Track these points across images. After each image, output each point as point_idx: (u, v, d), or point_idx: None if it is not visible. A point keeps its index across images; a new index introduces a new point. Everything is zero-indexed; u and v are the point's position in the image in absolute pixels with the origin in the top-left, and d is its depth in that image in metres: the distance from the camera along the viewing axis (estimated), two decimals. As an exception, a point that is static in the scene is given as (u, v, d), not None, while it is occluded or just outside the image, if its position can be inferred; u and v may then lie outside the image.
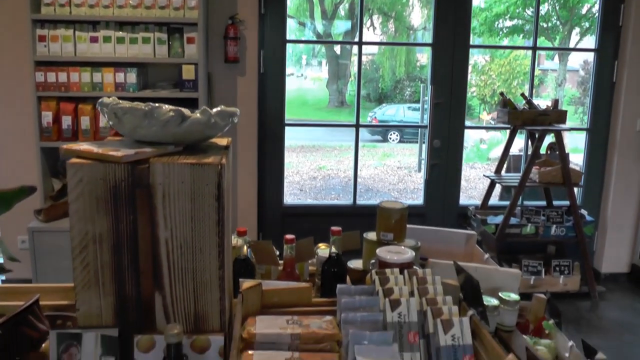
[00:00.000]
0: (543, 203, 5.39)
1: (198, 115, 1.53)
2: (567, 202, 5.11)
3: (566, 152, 4.96)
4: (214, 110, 1.58)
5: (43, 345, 1.67)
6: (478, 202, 5.40)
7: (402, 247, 1.91)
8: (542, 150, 5.16)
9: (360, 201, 5.57)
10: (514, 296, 2.06)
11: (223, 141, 1.73)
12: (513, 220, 4.94)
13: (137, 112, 1.48)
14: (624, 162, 5.45)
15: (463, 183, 5.44)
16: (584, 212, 5.28)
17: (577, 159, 5.78)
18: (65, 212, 4.40)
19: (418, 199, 5.31)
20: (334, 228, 1.99)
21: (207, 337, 1.53)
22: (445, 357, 1.44)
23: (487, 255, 2.52)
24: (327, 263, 2.00)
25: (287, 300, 1.80)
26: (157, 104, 1.51)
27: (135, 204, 1.44)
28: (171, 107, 1.51)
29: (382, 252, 1.85)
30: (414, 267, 1.83)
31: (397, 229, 2.03)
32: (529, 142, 5.32)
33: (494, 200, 5.76)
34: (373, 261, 1.90)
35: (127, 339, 1.53)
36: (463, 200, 5.47)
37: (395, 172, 10.95)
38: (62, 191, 4.56)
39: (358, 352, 1.44)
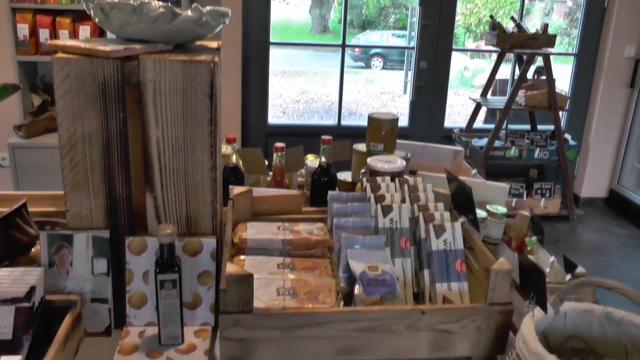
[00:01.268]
0: (527, 127, 5.40)
1: (189, 13, 1.48)
2: (551, 127, 5.12)
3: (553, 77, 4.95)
4: (205, 8, 1.52)
5: (32, 250, 1.66)
6: (462, 126, 5.40)
7: (393, 157, 1.90)
8: (529, 76, 5.15)
9: (345, 122, 5.55)
10: (502, 209, 2.08)
11: (213, 43, 1.68)
12: (497, 143, 4.96)
13: (126, 7, 1.43)
14: (609, 89, 5.45)
15: (447, 108, 5.43)
16: (567, 136, 5.30)
17: (563, 85, 5.76)
18: (45, 127, 4.34)
19: (403, 121, 5.28)
20: (324, 137, 1.97)
21: (199, 239, 1.52)
22: (437, 262, 1.45)
23: (474, 171, 2.52)
24: (317, 173, 1.99)
25: (278, 208, 1.79)
26: (146, 0, 1.46)
27: (125, 101, 1.41)
28: (161, 3, 1.46)
29: (373, 161, 1.84)
30: (405, 176, 1.82)
31: (387, 140, 2.02)
32: (516, 68, 5.29)
33: (478, 124, 5.77)
34: (363, 170, 1.89)
35: (118, 241, 1.52)
36: (447, 124, 5.46)
37: (379, 97, 10.89)
38: (42, 107, 4.48)
39: (350, 256, 1.44)
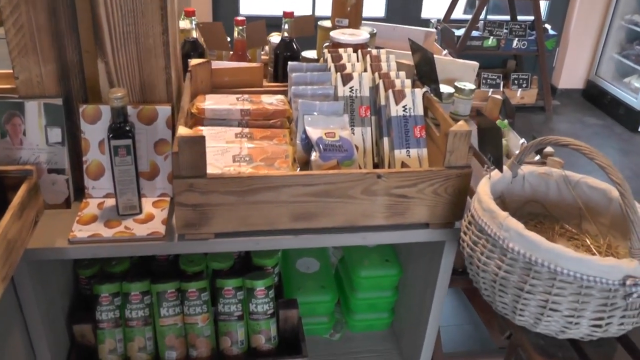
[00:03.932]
0: (508, 18, 5.29)
1: None
2: (532, 18, 5.02)
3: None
4: None
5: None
6: (441, 16, 5.27)
7: (357, 30, 1.85)
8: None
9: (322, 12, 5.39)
10: (470, 85, 2.05)
11: None
12: (475, 33, 4.87)
13: None
14: (592, -24, 5.33)
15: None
16: (547, 26, 5.22)
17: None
18: None
19: (379, 12, 5.15)
20: (286, 10, 1.89)
21: (154, 107, 1.48)
22: (396, 127, 1.43)
23: (445, 51, 2.48)
24: (279, 47, 1.93)
25: (238, 81, 1.74)
26: None
27: (68, -42, 1.33)
28: None
29: (336, 34, 1.78)
30: (369, 49, 1.77)
31: (352, 15, 1.96)
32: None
33: (458, 15, 5.64)
34: (327, 44, 1.84)
35: (72, 109, 1.48)
36: (425, 14, 5.32)
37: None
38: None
39: (308, 123, 1.42)
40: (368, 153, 1.50)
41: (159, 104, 1.49)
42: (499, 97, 2.96)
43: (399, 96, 1.43)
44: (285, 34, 1.92)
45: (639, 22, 5.18)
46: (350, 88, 1.51)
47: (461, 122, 1.31)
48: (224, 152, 1.43)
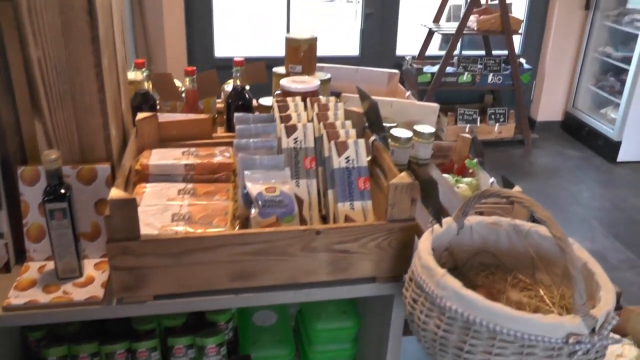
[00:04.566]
0: (482, 53, 5.32)
1: None
2: (506, 52, 5.04)
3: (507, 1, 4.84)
4: None
5: None
6: (416, 52, 5.29)
7: (308, 77, 1.83)
8: (483, 0, 5.07)
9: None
10: (429, 129, 2.02)
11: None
12: (450, 69, 4.88)
13: None
14: (565, 11, 5.37)
15: (404, 35, 5.32)
16: (522, 60, 5.24)
17: (519, 9, 5.66)
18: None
19: (354, 50, 5.16)
20: (236, 59, 1.87)
21: (94, 166, 1.45)
22: (339, 180, 1.39)
23: (408, 92, 2.46)
24: (231, 96, 1.90)
25: (187, 133, 1.71)
26: None
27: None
28: None
29: (286, 82, 1.76)
30: (319, 97, 1.75)
31: (305, 61, 1.94)
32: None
33: (434, 51, 5.67)
34: (278, 92, 1.82)
35: (9, 172, 1.44)
36: (400, 51, 5.33)
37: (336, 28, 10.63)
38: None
39: (248, 178, 1.38)
40: (314, 206, 1.46)
41: (98, 163, 1.46)
42: (468, 135, 2.94)
43: (342, 147, 1.40)
44: (237, 82, 1.90)
45: (611, 54, 5.21)
46: (295, 139, 1.48)
47: (402, 174, 1.27)
48: (164, 211, 1.39)
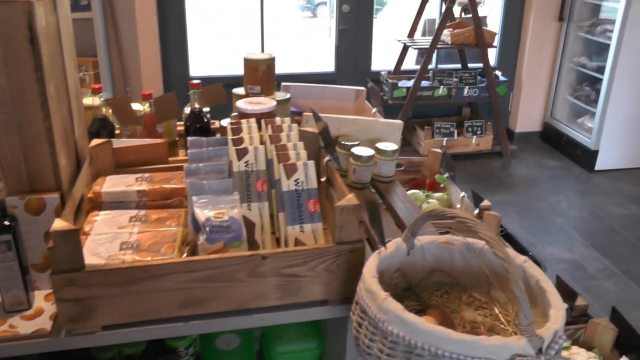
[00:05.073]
0: (458, 66, 5.34)
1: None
2: (482, 65, 5.06)
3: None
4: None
5: None
6: (392, 67, 5.30)
7: (264, 98, 1.82)
8: (457, 14, 5.09)
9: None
10: (392, 146, 2.01)
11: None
12: (425, 83, 4.89)
13: None
14: (539, 23, 5.39)
15: (380, 50, 5.33)
16: (498, 73, 5.26)
17: (494, 22, 5.69)
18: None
19: (329, 67, 5.17)
20: (193, 81, 1.86)
21: (42, 196, 1.43)
22: (289, 203, 1.38)
23: (374, 110, 2.45)
24: (189, 119, 1.89)
25: (143, 158, 1.70)
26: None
27: (-64, 50, 1.29)
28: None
29: (241, 103, 1.75)
30: (276, 118, 1.74)
31: (264, 82, 1.93)
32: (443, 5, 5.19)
33: (410, 66, 5.69)
34: (234, 114, 1.81)
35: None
36: (376, 66, 5.34)
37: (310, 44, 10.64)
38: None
39: (197, 203, 1.36)
40: (266, 229, 1.44)
41: (47, 192, 1.44)
42: (438, 150, 2.94)
43: (291, 170, 1.39)
44: (195, 105, 1.88)
45: (586, 64, 5.24)
46: (246, 162, 1.47)
47: (350, 196, 1.26)
48: (113, 239, 1.37)
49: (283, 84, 2.39)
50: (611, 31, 4.82)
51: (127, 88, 4.67)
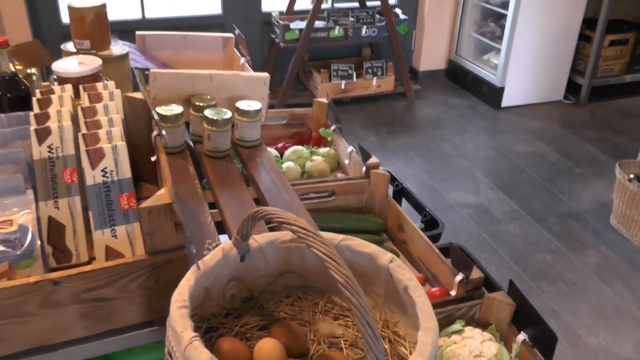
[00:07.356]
0: (356, 5, 5.00)
1: None
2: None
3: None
4: None
5: None
6: (284, 7, 4.91)
7: (89, 57, 1.47)
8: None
9: (152, 14, 4.87)
10: (255, 105, 1.69)
11: None
12: (319, 24, 4.56)
13: None
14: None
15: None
16: (398, 11, 4.98)
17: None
18: None
19: (216, 9, 4.72)
20: (-1, 39, 1.48)
21: None
22: (94, 200, 1.06)
23: (243, 59, 2.12)
24: (1, 86, 1.51)
25: None
26: None
27: None
28: None
29: (58, 64, 1.40)
30: (103, 80, 1.40)
31: (94, 34, 1.58)
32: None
33: (305, 5, 5.32)
34: (53, 77, 1.45)
35: None
36: (266, 7, 4.92)
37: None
38: None
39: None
40: (80, 232, 1.12)
41: None
42: (324, 100, 2.65)
43: (96, 156, 1.06)
44: (8, 70, 1.51)
45: (490, 1, 5.03)
46: (49, 147, 1.13)
47: (160, 193, 0.96)
48: None
49: (138, 33, 2.03)
50: (514, -35, 4.60)
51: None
